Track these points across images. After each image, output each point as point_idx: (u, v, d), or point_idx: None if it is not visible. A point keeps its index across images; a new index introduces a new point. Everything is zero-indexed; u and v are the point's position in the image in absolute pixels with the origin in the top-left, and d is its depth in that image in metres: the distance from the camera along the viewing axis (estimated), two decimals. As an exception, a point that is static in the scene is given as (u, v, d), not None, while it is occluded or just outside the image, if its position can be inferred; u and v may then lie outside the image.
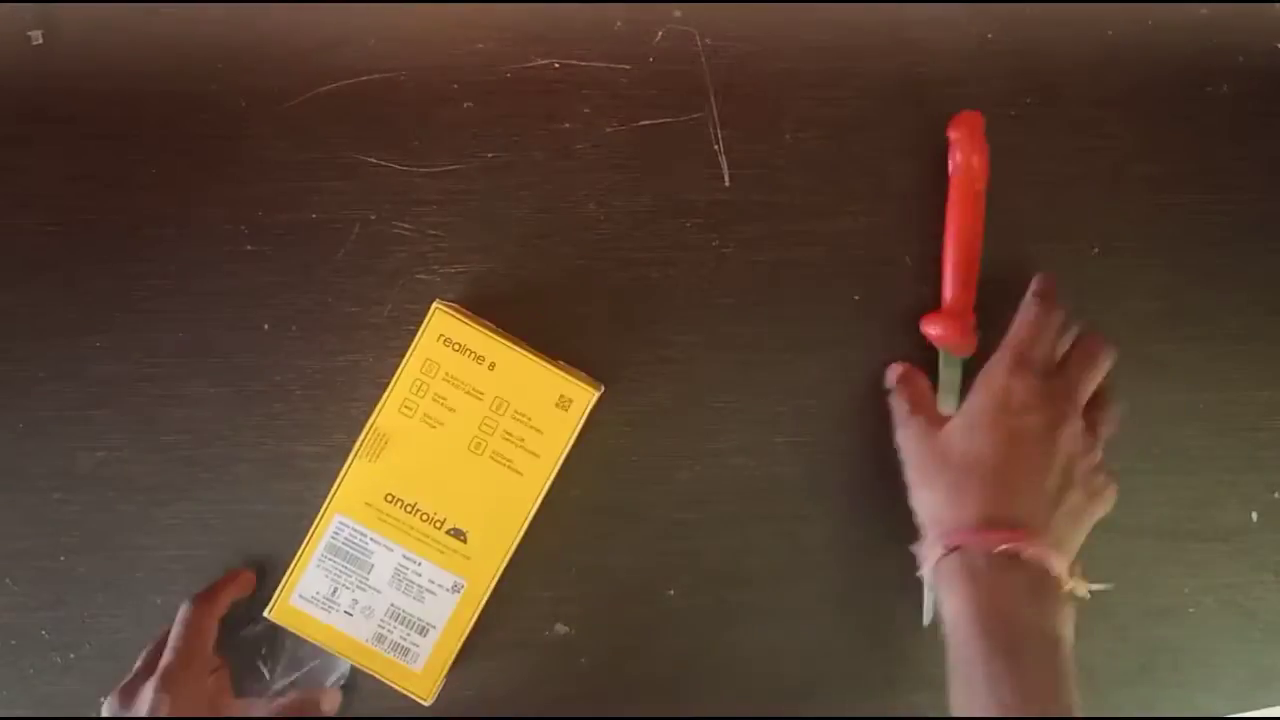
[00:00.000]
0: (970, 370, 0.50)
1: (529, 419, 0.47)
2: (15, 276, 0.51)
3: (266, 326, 0.51)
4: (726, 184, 0.52)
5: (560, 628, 0.52)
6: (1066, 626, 0.42)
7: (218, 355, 0.51)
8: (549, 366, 0.47)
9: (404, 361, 0.47)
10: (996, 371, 0.46)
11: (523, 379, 0.47)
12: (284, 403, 0.51)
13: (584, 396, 0.47)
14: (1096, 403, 0.48)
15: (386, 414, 0.47)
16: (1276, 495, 0.54)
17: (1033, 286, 0.49)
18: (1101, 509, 0.47)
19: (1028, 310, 0.48)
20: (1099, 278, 0.53)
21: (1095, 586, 0.45)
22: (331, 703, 0.49)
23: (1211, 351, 0.53)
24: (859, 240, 0.53)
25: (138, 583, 0.51)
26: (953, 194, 0.51)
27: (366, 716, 0.51)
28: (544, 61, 0.52)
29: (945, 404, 0.51)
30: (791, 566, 0.52)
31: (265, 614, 0.46)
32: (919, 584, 0.52)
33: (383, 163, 0.52)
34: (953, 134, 0.51)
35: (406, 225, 0.51)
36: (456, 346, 0.47)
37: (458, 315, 0.47)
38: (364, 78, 0.52)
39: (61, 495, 0.51)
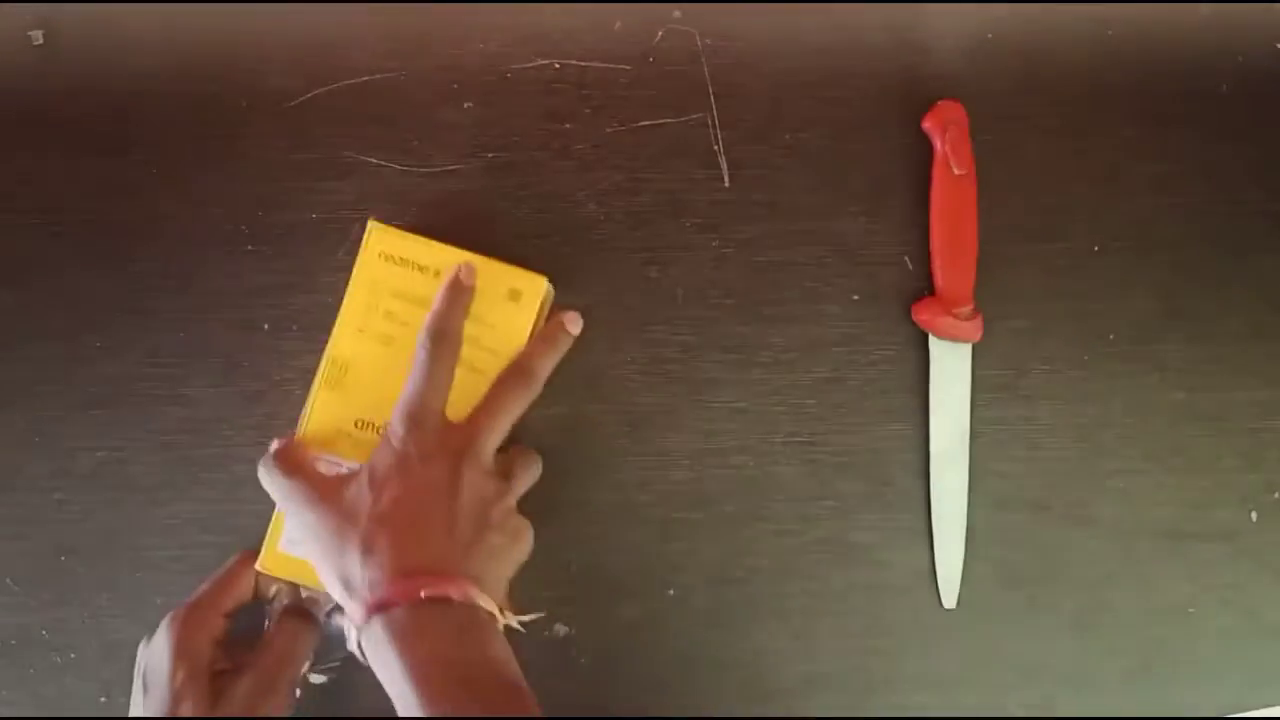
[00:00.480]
0: (975, 359, 0.51)
1: (482, 317, 0.46)
2: (15, 276, 0.51)
3: (266, 326, 0.51)
4: (726, 184, 0.52)
5: (560, 628, 0.52)
6: (502, 651, 0.42)
7: (218, 355, 0.51)
8: (493, 261, 0.47)
9: (350, 285, 0.46)
10: (394, 427, 0.44)
11: None
12: (284, 403, 0.51)
13: (534, 285, 0.47)
14: (513, 450, 0.48)
15: (341, 341, 0.46)
16: (1276, 495, 0.54)
17: (421, 336, 0.46)
18: (522, 551, 0.46)
19: (418, 363, 0.45)
20: (1099, 278, 0.53)
21: (526, 619, 0.44)
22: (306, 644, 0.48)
23: (1211, 351, 0.53)
24: (859, 240, 0.53)
25: (138, 583, 0.51)
26: (934, 179, 0.51)
27: (366, 717, 0.51)
28: (544, 61, 0.52)
29: (940, 394, 0.51)
30: (791, 566, 0.52)
31: (257, 567, 0.46)
32: (919, 584, 0.52)
33: (383, 163, 0.52)
34: (927, 124, 0.51)
35: (406, 225, 0.51)
36: (399, 260, 0.46)
37: (393, 230, 0.47)
38: (364, 78, 0.52)
39: (61, 495, 0.51)
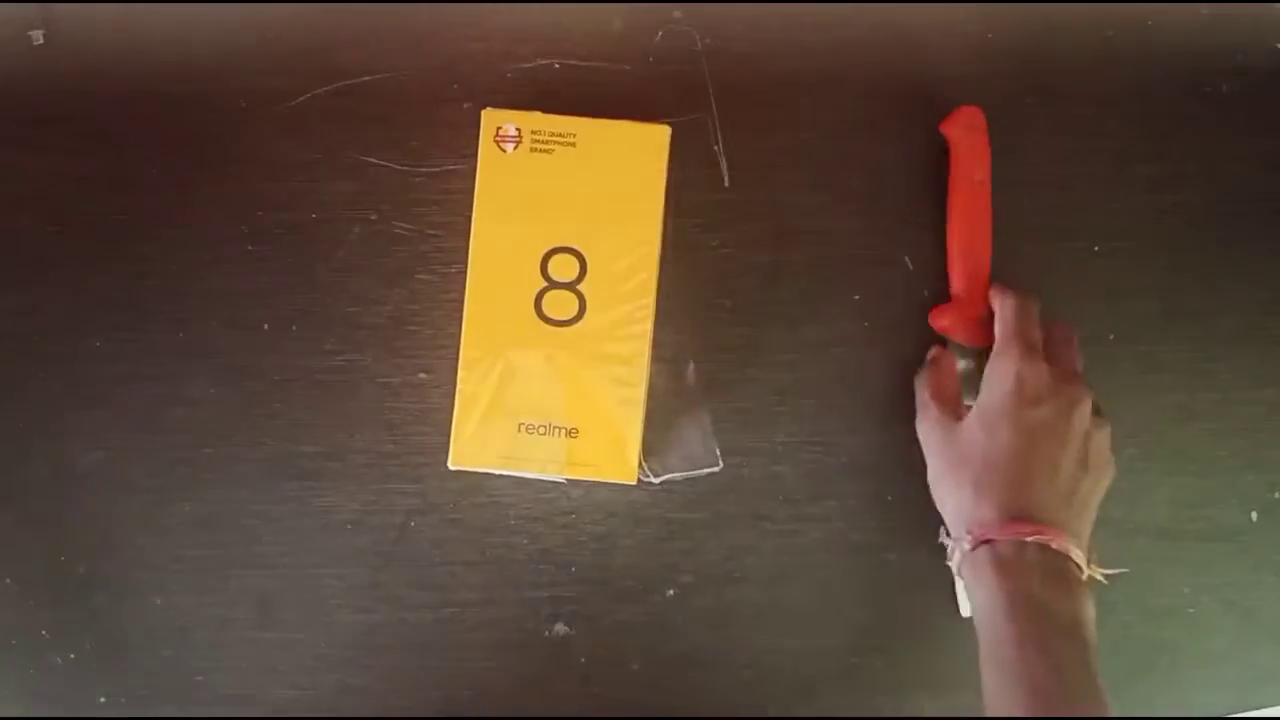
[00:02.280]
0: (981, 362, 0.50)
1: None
2: (16, 277, 0.51)
3: (266, 326, 0.51)
4: (726, 184, 0.52)
5: (560, 628, 0.52)
6: (1088, 611, 0.44)
7: (218, 355, 0.51)
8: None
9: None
10: (1007, 363, 0.47)
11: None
12: (284, 403, 0.51)
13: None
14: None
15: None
16: (1276, 495, 0.54)
17: (996, 285, 0.50)
18: (1105, 486, 0.48)
19: (1009, 298, 0.49)
20: (1099, 278, 0.53)
21: (1109, 572, 0.47)
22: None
23: (1211, 351, 0.53)
24: (859, 240, 0.53)
25: (138, 583, 0.51)
26: (953, 184, 0.51)
27: (377, 717, 0.51)
28: (544, 61, 0.52)
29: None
30: (791, 566, 0.52)
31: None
32: (918, 584, 0.52)
33: (383, 163, 0.52)
34: (945, 128, 0.51)
35: (406, 225, 0.51)
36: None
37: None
38: (364, 78, 0.52)
39: (61, 495, 0.51)
